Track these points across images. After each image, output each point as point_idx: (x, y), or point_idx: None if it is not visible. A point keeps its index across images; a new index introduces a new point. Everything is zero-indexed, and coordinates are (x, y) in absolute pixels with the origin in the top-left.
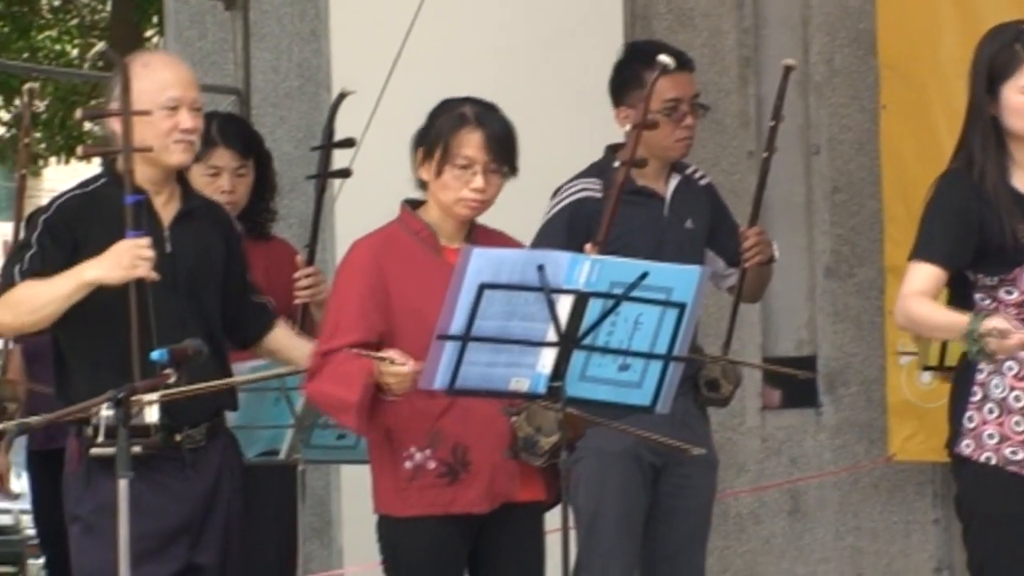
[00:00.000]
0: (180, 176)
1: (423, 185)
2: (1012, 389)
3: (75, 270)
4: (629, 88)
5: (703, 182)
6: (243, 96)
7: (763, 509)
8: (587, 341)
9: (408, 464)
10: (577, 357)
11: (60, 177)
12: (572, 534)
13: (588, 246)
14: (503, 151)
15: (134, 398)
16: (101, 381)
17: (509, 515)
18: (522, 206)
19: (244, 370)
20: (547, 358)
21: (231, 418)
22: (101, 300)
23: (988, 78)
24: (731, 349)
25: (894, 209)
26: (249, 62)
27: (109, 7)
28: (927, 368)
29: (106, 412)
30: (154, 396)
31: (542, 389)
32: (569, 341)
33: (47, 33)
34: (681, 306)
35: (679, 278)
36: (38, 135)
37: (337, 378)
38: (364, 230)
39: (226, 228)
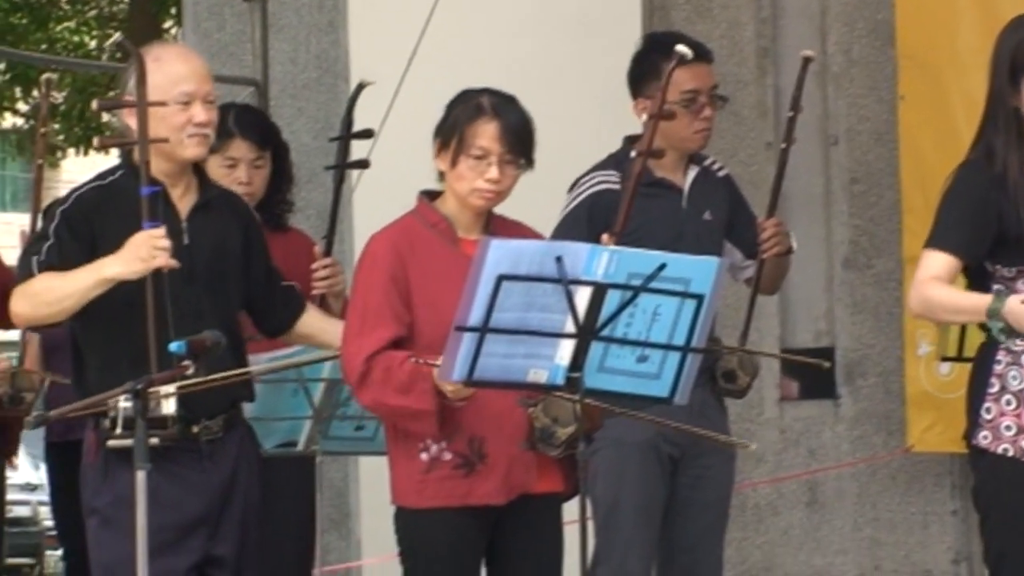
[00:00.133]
0: (197, 167)
1: (441, 175)
2: None
3: (94, 266)
4: (647, 79)
5: (721, 173)
6: (261, 87)
7: (781, 500)
8: (605, 332)
9: (424, 456)
10: (595, 348)
11: (78, 168)
12: (590, 525)
13: (604, 236)
14: (519, 143)
15: (152, 390)
16: (118, 373)
17: (526, 507)
18: (540, 198)
19: (262, 362)
20: (565, 350)
21: (249, 409)
22: (118, 293)
23: (1010, 69)
24: (749, 340)
25: (912, 200)
26: (267, 53)
27: None
28: (945, 359)
29: (124, 404)
30: (171, 388)
31: (560, 381)
32: (587, 332)
33: (65, 24)
34: (699, 297)
35: (697, 269)
36: (56, 126)
37: (399, 388)
38: (382, 222)
39: (244, 218)
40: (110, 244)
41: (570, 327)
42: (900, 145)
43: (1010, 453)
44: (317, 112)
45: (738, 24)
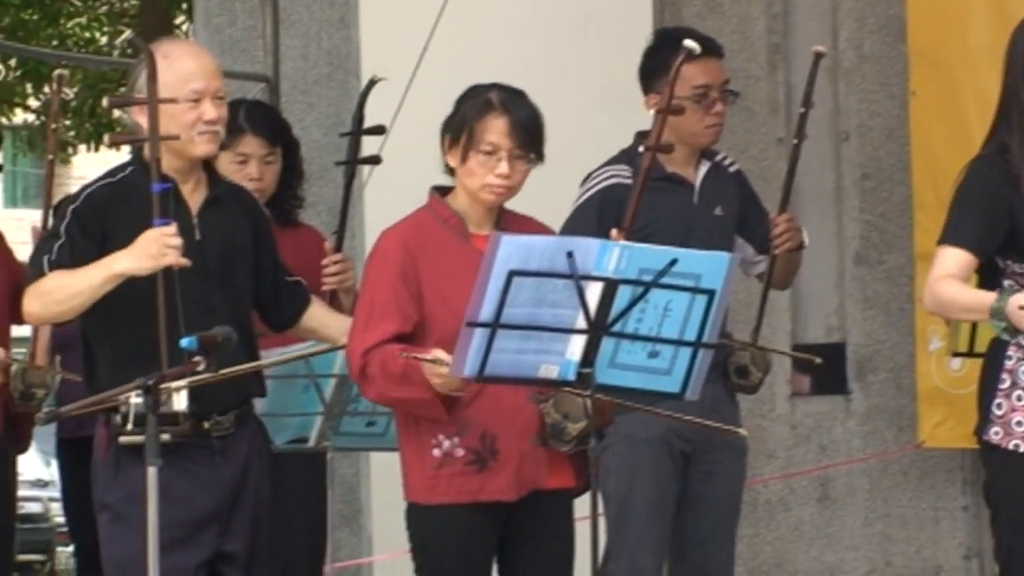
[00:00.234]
0: (206, 163)
1: (451, 171)
2: None
3: (104, 262)
4: (658, 74)
5: (732, 169)
6: (272, 83)
7: (792, 496)
8: (616, 328)
9: (436, 452)
10: (606, 344)
11: (89, 164)
12: (601, 521)
13: (614, 232)
14: (528, 137)
15: (163, 386)
16: (130, 369)
17: (538, 503)
18: (550, 193)
19: (273, 357)
20: (576, 345)
21: (260, 405)
22: (129, 289)
23: None
24: (760, 336)
25: (923, 196)
26: (278, 49)
27: None
28: (956, 354)
29: (135, 400)
30: (182, 383)
31: (571, 376)
32: (598, 328)
33: (76, 20)
34: (710, 293)
35: (708, 265)
36: (67, 122)
37: (394, 380)
38: (393, 217)
39: (253, 212)
40: (121, 241)
41: (581, 323)
42: (911, 141)
43: (1021, 449)
44: (328, 108)
45: (749, 20)
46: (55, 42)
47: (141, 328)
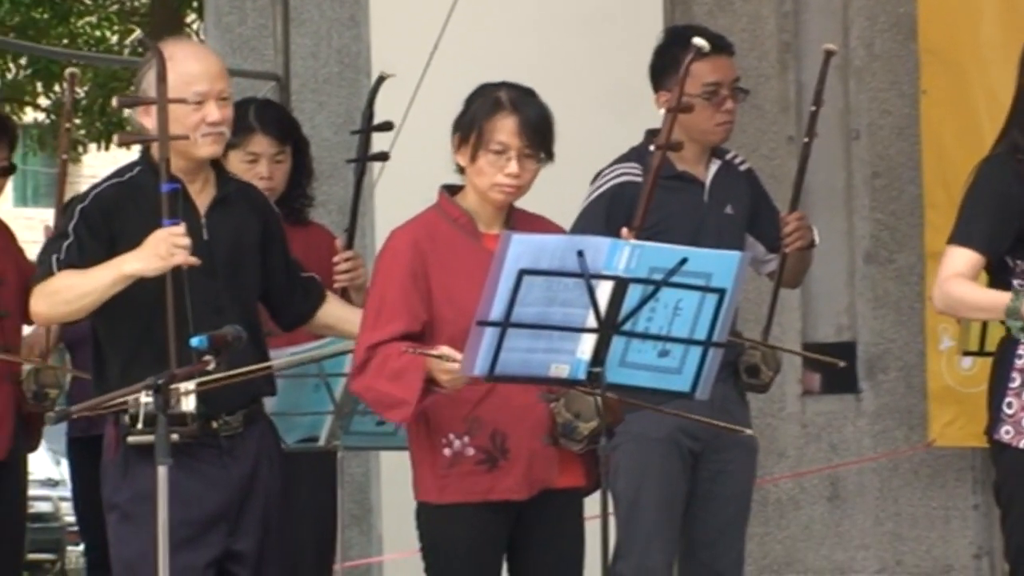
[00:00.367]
0: (214, 162)
1: (461, 170)
2: None
3: (114, 262)
4: (668, 72)
5: (743, 167)
6: (283, 82)
7: (803, 495)
8: (627, 327)
9: (447, 451)
10: (617, 343)
11: (100, 163)
12: (611, 520)
13: (624, 231)
14: (538, 136)
15: (173, 386)
16: (139, 369)
17: (548, 502)
18: (559, 192)
19: (283, 356)
20: (587, 344)
21: (271, 404)
22: (138, 289)
23: None
24: (771, 335)
25: (934, 194)
26: (289, 48)
27: None
28: (967, 353)
29: (145, 399)
30: (191, 384)
31: (582, 375)
32: (609, 327)
33: (87, 19)
34: (721, 292)
35: (719, 263)
36: (78, 121)
37: (390, 375)
38: (403, 216)
39: (263, 210)
40: (129, 241)
41: (591, 321)
42: (922, 139)
43: None
44: (338, 107)
45: (760, 18)
46: (65, 41)
47: (150, 328)
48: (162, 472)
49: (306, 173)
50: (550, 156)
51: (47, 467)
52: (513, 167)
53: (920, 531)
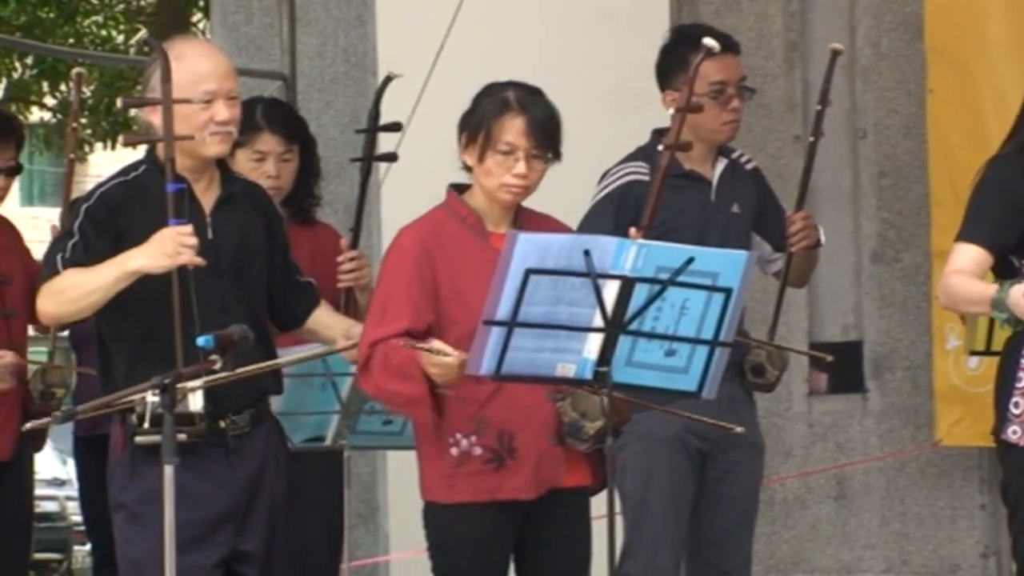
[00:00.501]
0: (219, 161)
1: (469, 169)
2: None
3: (119, 259)
4: (675, 71)
5: (749, 166)
6: (289, 81)
7: (809, 495)
8: (633, 326)
9: (454, 451)
10: (623, 342)
11: (106, 163)
12: (618, 520)
13: (632, 230)
14: (546, 137)
15: (179, 385)
16: (145, 368)
17: (555, 501)
18: (566, 191)
19: (289, 355)
20: (593, 343)
21: (277, 404)
22: (144, 287)
23: None
24: (777, 334)
25: (941, 193)
26: (295, 47)
27: None
28: (974, 353)
29: (151, 399)
30: (198, 383)
31: (588, 375)
32: (615, 326)
33: (93, 19)
34: (727, 291)
35: (725, 263)
36: (84, 121)
37: (393, 373)
38: (410, 215)
39: (266, 209)
40: (135, 240)
41: (598, 321)
42: (929, 139)
43: None
44: (345, 106)
45: (766, 17)
46: (71, 40)
47: (157, 327)
48: (168, 472)
49: (313, 172)
50: (557, 156)
51: (54, 466)
52: (521, 168)
53: (927, 531)
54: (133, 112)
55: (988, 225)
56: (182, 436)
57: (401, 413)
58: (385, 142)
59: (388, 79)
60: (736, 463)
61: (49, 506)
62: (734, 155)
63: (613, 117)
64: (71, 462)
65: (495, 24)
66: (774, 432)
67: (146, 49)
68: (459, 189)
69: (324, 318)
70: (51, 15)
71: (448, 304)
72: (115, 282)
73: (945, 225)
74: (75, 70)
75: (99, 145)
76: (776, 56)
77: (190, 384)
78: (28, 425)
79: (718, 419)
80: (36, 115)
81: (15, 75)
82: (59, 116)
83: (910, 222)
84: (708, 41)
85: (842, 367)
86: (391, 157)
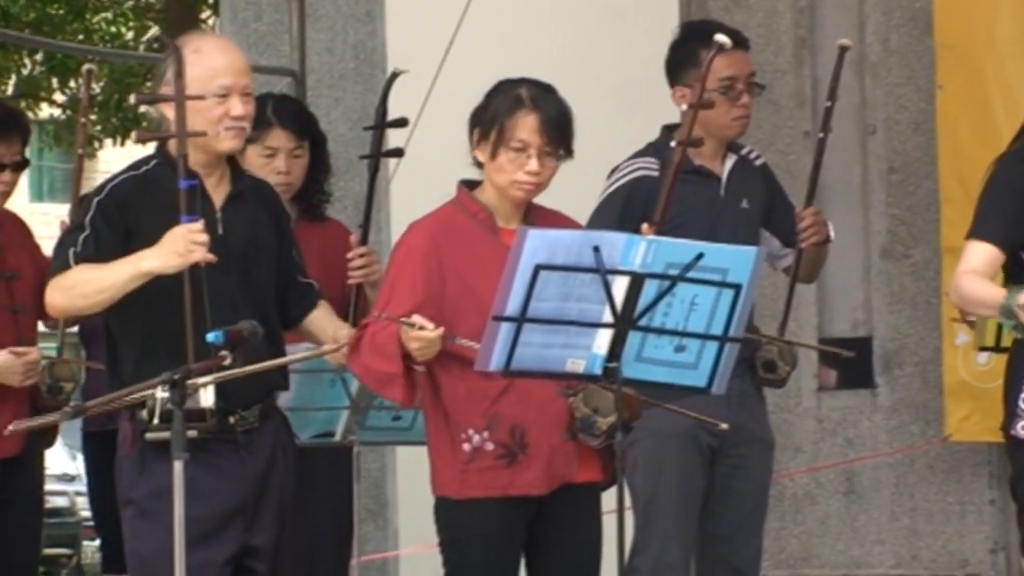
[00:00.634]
0: (230, 157)
1: (479, 165)
2: None
3: (132, 259)
4: (685, 67)
5: (759, 162)
6: (298, 78)
7: (819, 490)
8: (643, 322)
9: (466, 446)
10: (633, 338)
11: (116, 159)
12: (628, 515)
13: (644, 226)
14: (558, 134)
15: (190, 381)
16: (154, 364)
17: (566, 496)
18: (575, 187)
19: (298, 351)
20: (603, 339)
21: (287, 400)
22: (154, 284)
23: None
24: (787, 330)
25: (950, 189)
26: (304, 43)
27: None
28: (983, 349)
29: (161, 395)
30: (208, 379)
31: (598, 370)
32: (625, 322)
33: (102, 15)
34: (737, 287)
35: (735, 259)
36: (93, 117)
37: (375, 350)
38: (419, 211)
39: (274, 207)
40: (145, 234)
41: (608, 317)
42: (938, 135)
43: None
44: (354, 102)
45: (775, 13)
46: (81, 37)
47: (166, 323)
48: (178, 467)
49: (323, 169)
50: (569, 153)
51: (63, 462)
52: (533, 165)
53: (936, 526)
54: (143, 108)
55: (999, 222)
56: (192, 432)
57: (378, 394)
58: (394, 138)
59: (394, 75)
60: (746, 458)
61: (58, 501)
62: (743, 151)
63: (622, 113)
64: (80, 457)
65: (504, 21)
66: (784, 428)
67: (156, 46)
68: (470, 185)
69: (319, 320)
70: (61, 12)
71: (458, 299)
72: (128, 281)
73: (954, 221)
74: (85, 66)
75: (108, 141)
76: (785, 52)
77: (200, 380)
78: (24, 425)
79: (727, 414)
80: (46, 111)
81: (25, 71)
82: (68, 112)
83: (919, 218)
84: (720, 37)
85: (852, 363)
86: (398, 153)
